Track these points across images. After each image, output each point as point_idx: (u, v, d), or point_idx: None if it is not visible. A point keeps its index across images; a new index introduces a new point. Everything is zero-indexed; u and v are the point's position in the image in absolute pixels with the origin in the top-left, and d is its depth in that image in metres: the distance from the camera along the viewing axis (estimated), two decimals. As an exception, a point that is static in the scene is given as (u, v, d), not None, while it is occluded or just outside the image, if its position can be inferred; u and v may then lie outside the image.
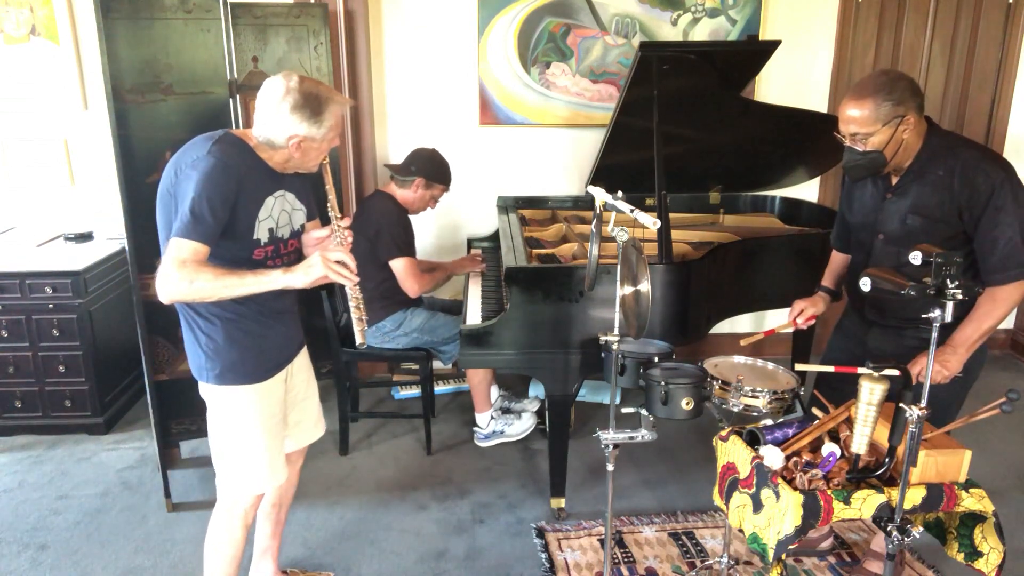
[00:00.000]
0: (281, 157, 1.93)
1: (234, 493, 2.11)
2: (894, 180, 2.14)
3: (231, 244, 1.88)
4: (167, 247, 1.81)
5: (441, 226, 4.03)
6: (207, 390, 2.05)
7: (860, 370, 2.07)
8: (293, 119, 1.83)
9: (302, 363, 2.26)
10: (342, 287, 3.13)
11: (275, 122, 1.85)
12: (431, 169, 3.22)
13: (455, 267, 3.49)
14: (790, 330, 2.51)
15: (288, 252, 2.05)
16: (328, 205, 2.02)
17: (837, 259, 2.52)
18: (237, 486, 2.10)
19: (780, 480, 1.81)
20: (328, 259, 1.85)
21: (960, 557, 1.92)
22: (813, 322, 2.45)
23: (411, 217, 3.30)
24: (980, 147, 2.11)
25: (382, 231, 3.09)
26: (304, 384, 2.27)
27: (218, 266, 1.81)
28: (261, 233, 1.93)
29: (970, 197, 1.99)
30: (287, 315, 2.13)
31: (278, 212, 1.98)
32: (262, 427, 2.06)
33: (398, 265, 3.12)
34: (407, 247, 3.17)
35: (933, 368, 1.97)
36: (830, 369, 2.15)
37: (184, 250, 1.77)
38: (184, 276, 1.75)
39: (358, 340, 2.03)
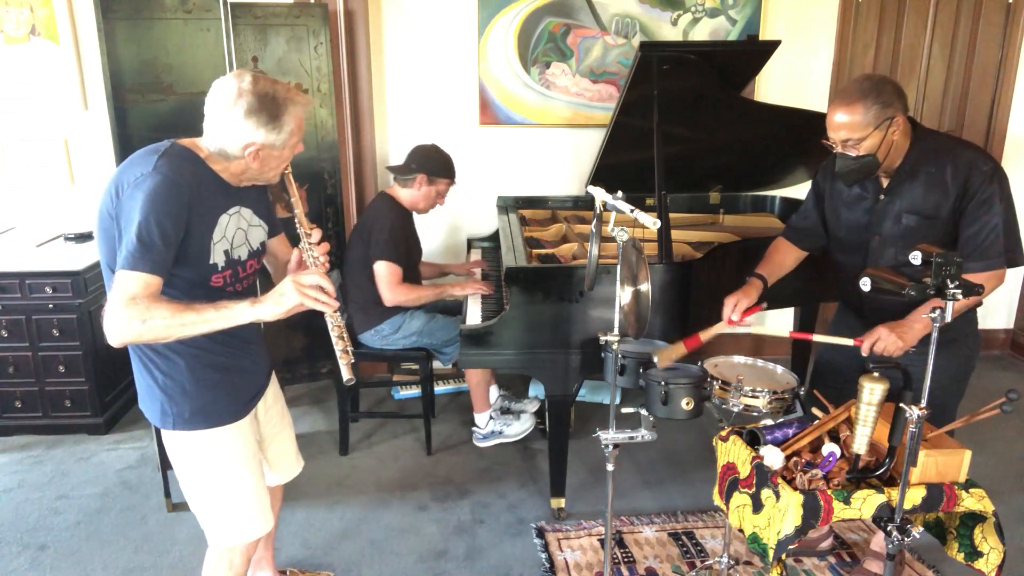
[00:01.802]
0: (237, 168, 1.71)
1: (229, 544, 1.92)
2: (884, 182, 2.16)
3: (185, 271, 1.67)
4: (113, 282, 1.58)
5: (441, 226, 4.03)
6: (174, 439, 1.81)
7: (816, 337, 2.20)
8: (248, 125, 1.62)
9: (275, 392, 2.09)
10: (342, 285, 3.17)
11: (228, 130, 1.63)
12: (432, 164, 3.13)
13: (452, 288, 3.19)
14: (731, 330, 2.37)
15: (248, 275, 1.84)
16: (295, 221, 1.80)
17: (782, 250, 2.44)
18: (231, 537, 1.91)
19: (780, 480, 1.81)
20: (301, 284, 1.61)
21: (960, 557, 1.92)
22: (752, 316, 2.34)
23: (417, 217, 3.27)
24: (967, 143, 2.16)
25: (373, 232, 3.03)
26: (279, 416, 2.10)
27: (174, 301, 1.58)
28: (217, 257, 1.72)
29: (963, 189, 2.03)
30: (255, 344, 1.93)
31: (233, 231, 1.76)
32: (247, 470, 1.87)
33: (380, 268, 3.02)
34: (393, 251, 3.03)
35: (888, 340, 2.03)
36: (785, 334, 2.30)
37: (133, 284, 1.54)
38: (135, 315, 1.52)
39: (345, 376, 1.75)
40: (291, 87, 1.71)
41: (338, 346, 1.77)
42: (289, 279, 1.63)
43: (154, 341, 1.64)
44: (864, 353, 2.07)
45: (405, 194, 3.16)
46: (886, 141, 2.03)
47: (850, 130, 2.02)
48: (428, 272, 3.55)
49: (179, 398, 1.77)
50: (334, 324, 1.77)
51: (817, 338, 2.22)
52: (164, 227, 1.57)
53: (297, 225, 1.80)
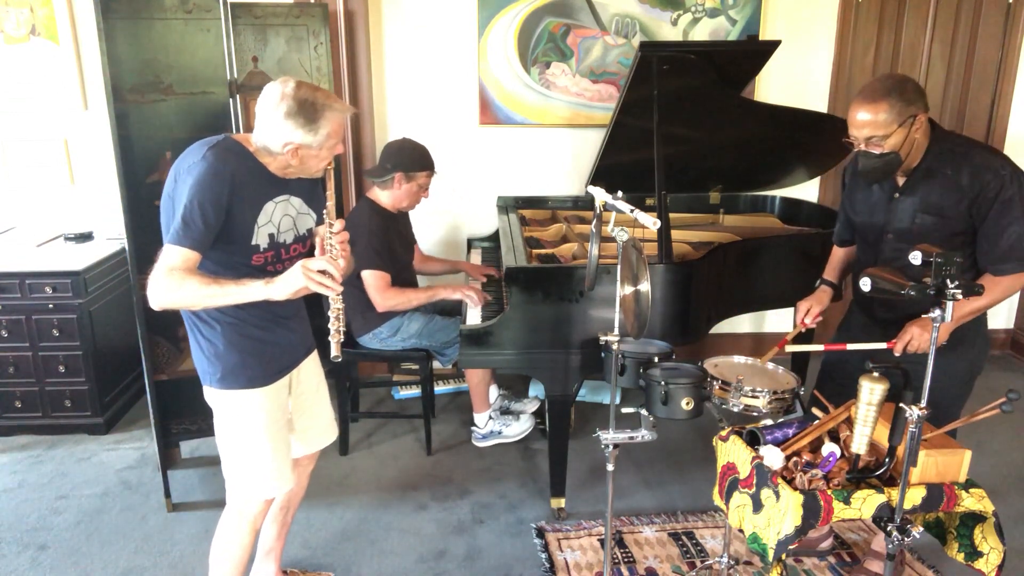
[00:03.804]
0: (279, 164, 1.90)
1: (243, 498, 2.09)
2: (900, 180, 2.16)
3: (228, 248, 1.87)
4: (160, 253, 1.80)
5: (441, 226, 4.03)
6: (211, 394, 2.03)
7: (850, 346, 2.21)
8: (287, 126, 1.80)
9: (311, 368, 2.23)
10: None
11: (270, 129, 1.82)
12: (406, 159, 3.06)
13: (443, 291, 3.17)
14: (800, 331, 2.49)
15: (291, 257, 2.01)
16: (325, 211, 1.97)
17: (838, 253, 2.55)
18: (246, 492, 2.08)
19: (780, 480, 1.81)
20: (309, 269, 1.78)
21: (960, 557, 1.92)
22: (820, 319, 2.44)
23: (416, 216, 3.24)
24: (985, 145, 2.17)
25: (356, 242, 2.91)
26: (313, 390, 2.25)
27: (205, 274, 1.79)
28: (260, 239, 1.91)
29: (979, 193, 2.03)
30: (293, 320, 2.11)
31: (280, 217, 1.95)
32: (267, 432, 2.04)
33: (367, 276, 3.02)
34: (378, 258, 3.02)
35: (921, 339, 2.05)
36: (820, 348, 2.31)
37: (174, 257, 1.77)
38: (172, 283, 1.75)
39: (333, 352, 1.91)
40: (331, 94, 1.88)
41: (333, 326, 1.92)
42: (299, 263, 1.80)
43: (186, 307, 1.90)
44: (897, 354, 2.07)
45: (386, 196, 3.11)
46: (909, 139, 2.04)
47: (874, 128, 2.02)
48: (438, 268, 3.56)
49: (214, 359, 1.97)
50: (334, 307, 1.92)
51: (852, 347, 2.20)
52: (206, 210, 1.77)
53: (325, 215, 1.96)
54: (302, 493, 2.40)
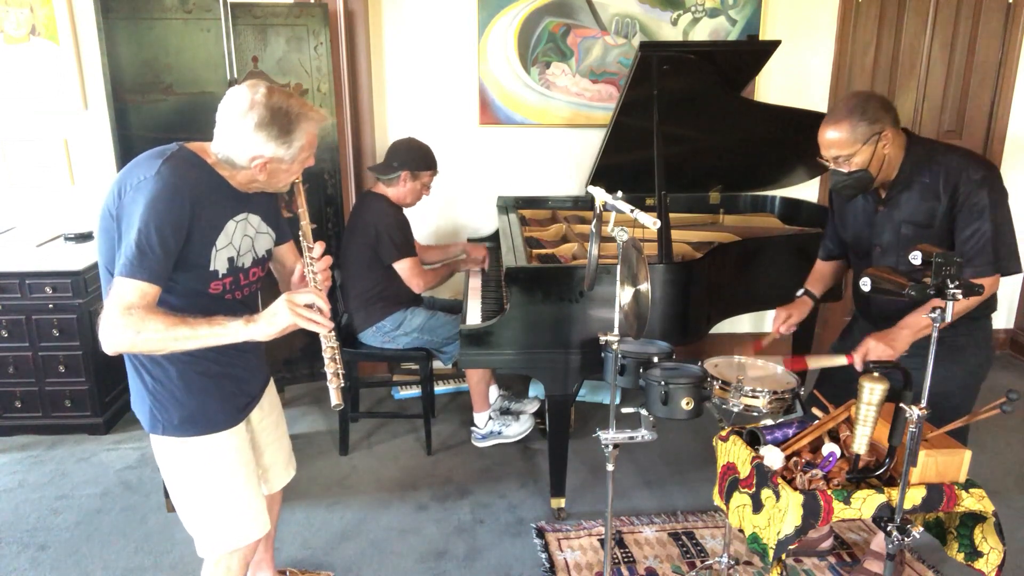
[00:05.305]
0: (244, 178, 1.69)
1: (226, 549, 1.87)
2: (883, 193, 2.19)
3: (184, 276, 1.65)
4: (110, 288, 1.57)
5: (441, 226, 4.03)
6: (163, 444, 1.78)
7: (811, 364, 2.23)
8: (258, 138, 1.59)
9: (270, 401, 2.05)
10: (341, 284, 3.18)
11: (236, 140, 1.61)
12: (413, 159, 3.14)
13: (458, 264, 3.46)
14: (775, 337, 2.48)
15: (250, 283, 1.81)
16: (300, 233, 1.77)
17: (821, 266, 2.55)
18: (220, 545, 1.86)
19: (780, 480, 1.81)
20: (295, 303, 1.59)
21: (960, 557, 1.92)
22: (795, 328, 2.45)
23: (408, 211, 3.29)
24: (962, 150, 2.16)
25: (381, 234, 3.09)
26: (274, 425, 2.07)
27: (169, 313, 1.57)
28: (219, 264, 1.69)
29: (952, 196, 2.05)
30: (250, 352, 1.88)
31: (239, 238, 1.74)
32: (241, 475, 1.84)
33: (402, 267, 3.14)
34: (407, 247, 3.17)
35: (878, 350, 2.06)
36: (779, 360, 2.27)
37: (130, 292, 1.53)
38: (130, 324, 1.52)
39: (333, 401, 1.68)
40: (306, 102, 1.69)
41: (329, 368, 1.71)
42: (283, 297, 1.61)
43: (149, 352, 1.65)
44: (858, 367, 2.07)
45: (392, 192, 3.19)
46: (877, 156, 2.07)
47: (839, 147, 2.06)
48: (436, 256, 3.60)
49: (169, 404, 1.75)
50: (327, 345, 1.72)
51: (812, 364, 2.23)
52: (164, 234, 1.55)
53: (300, 237, 1.77)
54: (279, 506, 2.26)
